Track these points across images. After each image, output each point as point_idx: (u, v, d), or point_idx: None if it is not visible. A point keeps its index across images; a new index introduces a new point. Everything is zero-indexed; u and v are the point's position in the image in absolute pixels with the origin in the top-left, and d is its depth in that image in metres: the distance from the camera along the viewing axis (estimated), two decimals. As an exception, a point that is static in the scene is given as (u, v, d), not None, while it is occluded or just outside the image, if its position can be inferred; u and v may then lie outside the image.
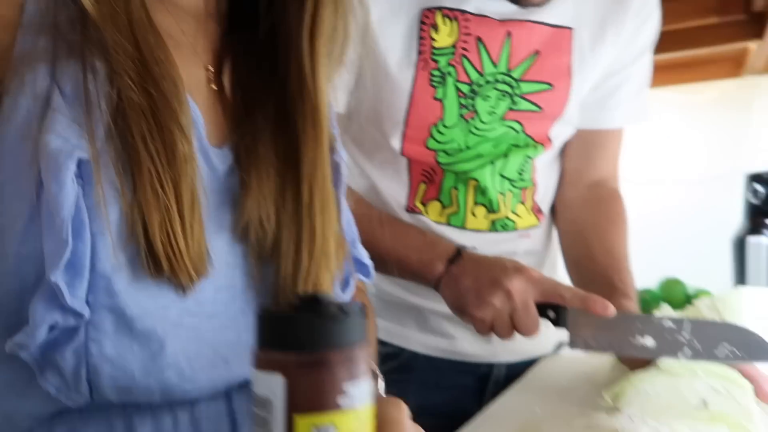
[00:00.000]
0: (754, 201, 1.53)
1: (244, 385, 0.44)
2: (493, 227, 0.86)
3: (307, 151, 0.46)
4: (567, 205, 0.94)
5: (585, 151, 0.92)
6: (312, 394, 0.27)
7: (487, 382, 0.90)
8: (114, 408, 0.40)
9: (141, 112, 0.39)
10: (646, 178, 2.05)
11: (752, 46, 1.88)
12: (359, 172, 0.85)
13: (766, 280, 1.38)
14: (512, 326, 0.69)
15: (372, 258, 0.79)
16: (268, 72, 0.49)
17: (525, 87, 0.80)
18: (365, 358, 0.28)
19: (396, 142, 0.80)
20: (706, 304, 1.00)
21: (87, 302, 0.37)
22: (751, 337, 0.61)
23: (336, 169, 0.51)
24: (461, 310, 0.73)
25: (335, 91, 0.74)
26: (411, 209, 0.84)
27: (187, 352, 0.41)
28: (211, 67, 0.49)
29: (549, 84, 0.81)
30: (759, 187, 1.52)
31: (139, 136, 0.39)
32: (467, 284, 0.71)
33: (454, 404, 0.85)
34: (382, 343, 0.86)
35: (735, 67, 2.13)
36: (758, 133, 2.02)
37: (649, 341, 0.63)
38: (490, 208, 0.85)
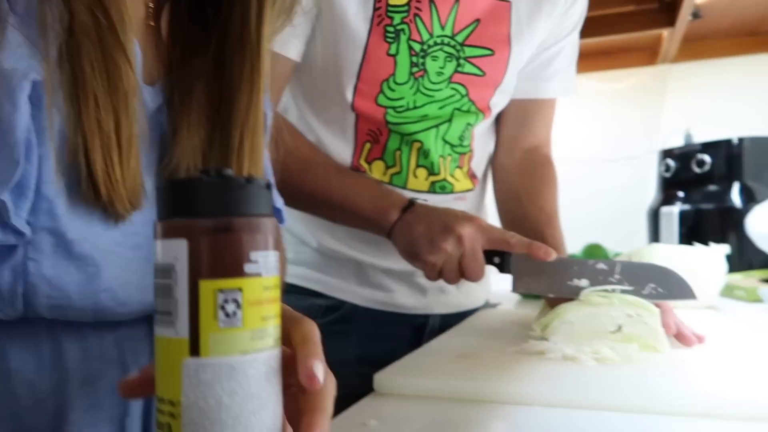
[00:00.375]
0: (666, 175, 1.65)
1: None
2: (432, 188, 0.89)
3: (242, 96, 0.47)
4: (504, 169, 0.99)
5: (522, 120, 0.97)
6: (217, 259, 0.26)
7: (423, 333, 0.94)
8: (41, 326, 0.41)
9: (91, 38, 0.39)
10: (573, 156, 2.17)
11: (665, 33, 2.02)
12: (306, 127, 0.87)
13: (677, 243, 1.50)
14: (460, 272, 0.72)
15: (325, 205, 0.80)
16: (210, 14, 0.49)
17: (468, 51, 0.84)
18: (273, 233, 0.28)
19: (349, 96, 0.82)
20: (623, 259, 1.08)
21: (28, 223, 0.37)
22: (673, 277, 0.66)
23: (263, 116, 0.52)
24: (413, 256, 0.75)
25: (291, 38, 0.76)
26: (355, 167, 0.86)
27: (120, 278, 0.41)
28: (151, 4, 0.48)
29: (490, 49, 0.85)
30: (670, 162, 1.64)
31: (88, 61, 0.39)
32: (421, 230, 0.73)
33: (391, 353, 0.87)
34: (323, 296, 0.89)
35: (650, 55, 2.28)
36: (671, 116, 2.18)
37: (584, 282, 0.68)
38: (431, 171, 0.88)
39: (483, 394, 0.50)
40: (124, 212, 0.40)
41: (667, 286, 0.65)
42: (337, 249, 0.89)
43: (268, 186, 0.28)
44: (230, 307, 0.26)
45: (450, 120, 0.87)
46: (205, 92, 0.47)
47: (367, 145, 0.86)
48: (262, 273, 0.27)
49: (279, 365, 0.28)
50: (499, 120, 0.98)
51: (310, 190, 0.77)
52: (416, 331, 0.94)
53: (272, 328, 0.28)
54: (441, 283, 0.76)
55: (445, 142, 0.89)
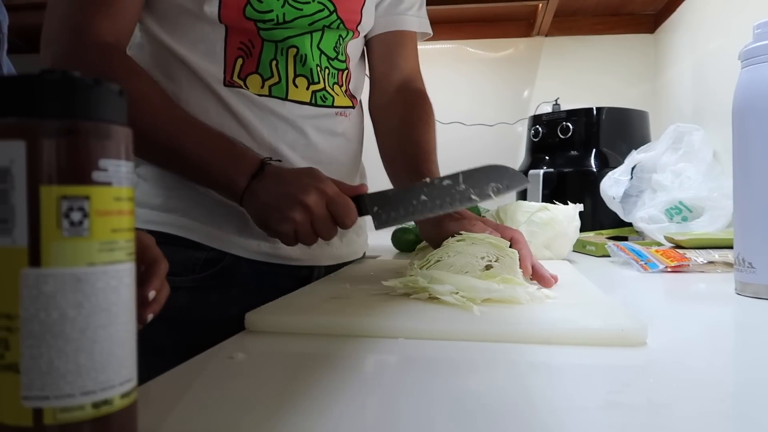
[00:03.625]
0: (535, 140, 1.76)
1: None
2: (314, 99, 0.89)
3: None
4: (380, 109, 1.02)
5: (387, 55, 1.01)
6: (61, 164, 0.25)
7: (307, 285, 0.94)
8: None
9: None
10: (455, 119, 2.26)
11: (540, 6, 2.13)
12: (168, 57, 0.82)
13: (540, 200, 1.62)
14: (315, 234, 0.71)
15: (176, 163, 0.76)
16: None
17: None
18: (126, 144, 0.27)
19: (213, 8, 0.79)
20: (491, 215, 1.15)
21: None
22: (507, 171, 0.72)
23: None
24: (265, 225, 0.73)
25: None
26: (230, 83, 0.83)
27: None
28: None
29: None
30: (539, 128, 1.75)
31: None
32: (268, 201, 0.71)
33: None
34: (202, 248, 0.85)
35: (527, 27, 2.40)
36: (542, 86, 2.33)
37: (437, 200, 0.71)
38: (311, 79, 0.88)
39: (350, 329, 0.52)
40: None
41: (504, 180, 0.71)
42: (214, 197, 0.84)
43: (121, 92, 0.27)
44: (76, 216, 0.25)
45: (322, 30, 0.88)
46: None
47: (239, 61, 0.83)
48: (112, 182, 0.26)
49: (132, 279, 0.27)
50: (369, 64, 1.02)
51: (163, 140, 0.73)
52: (300, 282, 0.92)
53: (124, 242, 0.27)
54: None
55: (321, 51, 0.89)
